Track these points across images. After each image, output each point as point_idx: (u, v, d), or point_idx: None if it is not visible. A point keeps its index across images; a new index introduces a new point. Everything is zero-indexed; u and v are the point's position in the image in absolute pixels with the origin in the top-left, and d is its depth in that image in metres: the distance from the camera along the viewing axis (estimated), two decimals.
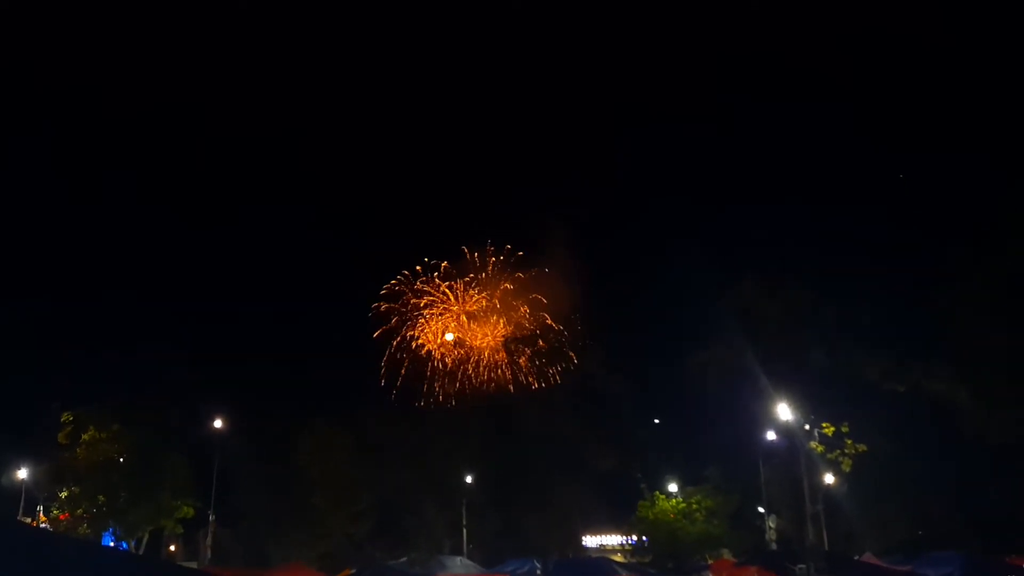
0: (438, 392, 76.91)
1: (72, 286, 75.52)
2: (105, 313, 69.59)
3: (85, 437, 48.38)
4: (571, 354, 76.84)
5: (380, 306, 79.60)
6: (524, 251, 79.71)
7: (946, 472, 47.09)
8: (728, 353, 52.17)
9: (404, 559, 50.52)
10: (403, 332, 79.20)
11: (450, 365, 78.57)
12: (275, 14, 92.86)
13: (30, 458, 52.10)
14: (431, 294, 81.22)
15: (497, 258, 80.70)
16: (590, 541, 73.09)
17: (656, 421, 71.44)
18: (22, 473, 52.02)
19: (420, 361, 79.32)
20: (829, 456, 46.90)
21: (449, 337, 79.37)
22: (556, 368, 77.14)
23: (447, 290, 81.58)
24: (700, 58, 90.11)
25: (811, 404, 44.84)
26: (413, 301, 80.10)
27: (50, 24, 77.99)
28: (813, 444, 45.67)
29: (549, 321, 79.61)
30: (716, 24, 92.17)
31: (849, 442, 46.35)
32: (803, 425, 44.46)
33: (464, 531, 58.16)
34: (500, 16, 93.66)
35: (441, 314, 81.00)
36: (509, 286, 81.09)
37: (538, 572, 46.50)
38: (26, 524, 39.33)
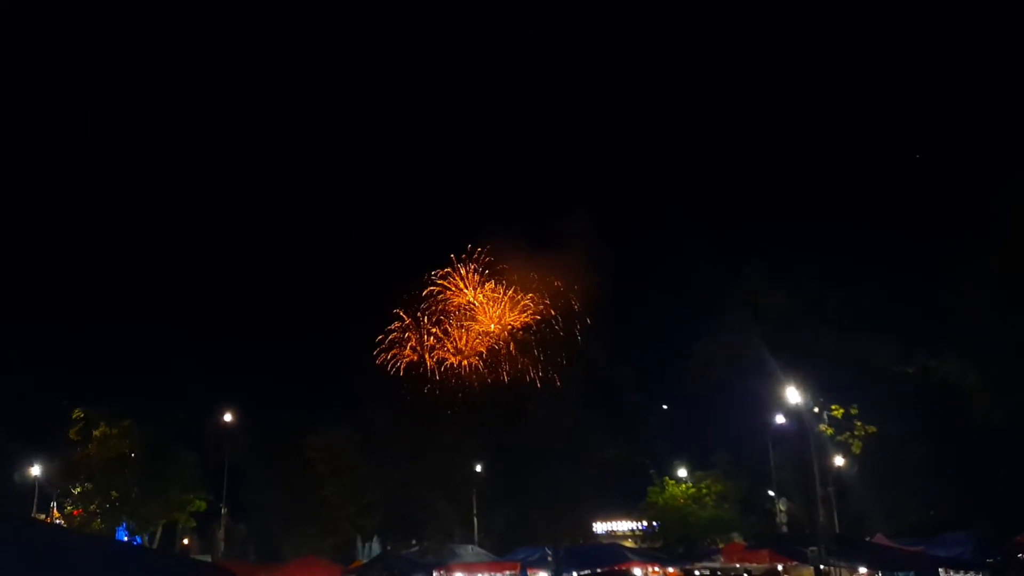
0: (455, 389, 76.59)
1: (77, 307, 75.93)
2: (117, 330, 69.66)
3: (96, 433, 48.71)
4: (578, 342, 76.60)
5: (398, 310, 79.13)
6: (531, 241, 79.38)
7: (955, 453, 46.99)
8: (735, 339, 52.12)
9: (416, 548, 50.72)
10: (422, 346, 78.55)
11: (470, 371, 78.08)
12: (276, 14, 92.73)
13: (42, 455, 52.50)
14: (446, 290, 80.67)
15: (507, 248, 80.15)
16: (600, 528, 73.26)
17: (664, 407, 71.60)
18: (35, 470, 52.41)
19: (440, 365, 78.90)
20: (839, 438, 46.86)
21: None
22: (563, 357, 76.87)
23: (459, 283, 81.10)
24: (707, 58, 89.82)
25: (819, 389, 44.78)
26: (433, 303, 79.54)
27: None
28: (822, 427, 45.64)
29: (555, 311, 79.40)
30: (718, 22, 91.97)
31: (859, 424, 46.28)
32: (812, 408, 44.42)
33: (475, 520, 58.33)
34: (500, 17, 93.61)
35: (459, 315, 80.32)
36: (515, 277, 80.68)
37: (549, 559, 46.69)
38: (40, 521, 39.69)
